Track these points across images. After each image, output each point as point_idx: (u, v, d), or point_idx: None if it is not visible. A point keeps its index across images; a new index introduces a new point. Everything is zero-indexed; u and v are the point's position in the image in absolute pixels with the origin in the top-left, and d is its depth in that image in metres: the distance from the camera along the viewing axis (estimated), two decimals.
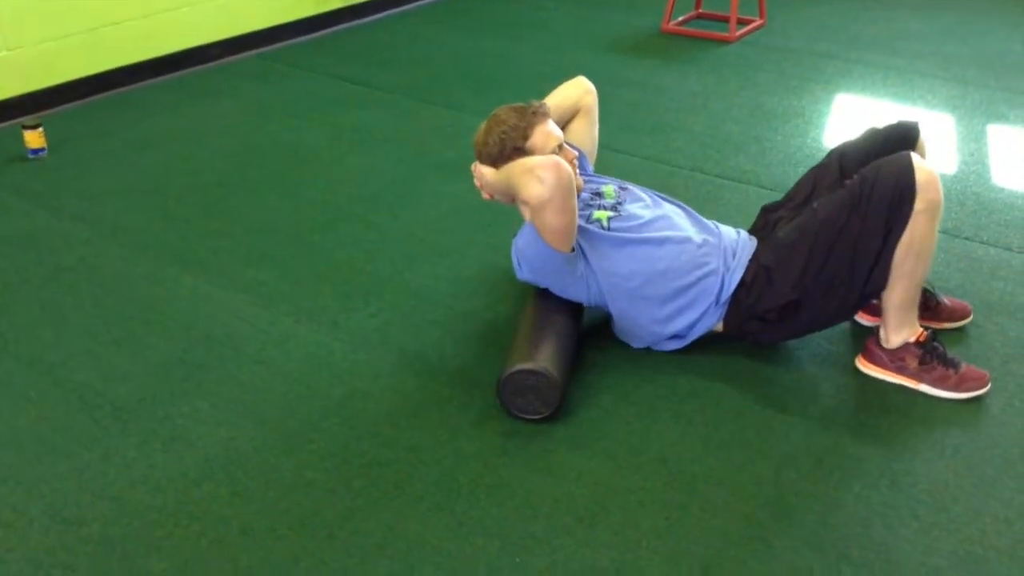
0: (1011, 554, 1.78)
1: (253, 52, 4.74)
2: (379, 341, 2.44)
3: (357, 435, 2.11)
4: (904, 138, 2.30)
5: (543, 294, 2.35)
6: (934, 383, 2.18)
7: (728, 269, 2.27)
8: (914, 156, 2.09)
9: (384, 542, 1.82)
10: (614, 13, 5.37)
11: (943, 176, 3.31)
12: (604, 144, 3.57)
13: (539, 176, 2.08)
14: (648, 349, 2.37)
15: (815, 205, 2.21)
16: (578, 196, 2.33)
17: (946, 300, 2.46)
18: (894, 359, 2.21)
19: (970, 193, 3.19)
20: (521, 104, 2.36)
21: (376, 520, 1.88)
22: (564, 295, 2.33)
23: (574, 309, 2.35)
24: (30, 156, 3.52)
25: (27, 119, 3.60)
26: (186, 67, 4.49)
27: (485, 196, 2.41)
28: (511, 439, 2.09)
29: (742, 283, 2.24)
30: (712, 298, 2.26)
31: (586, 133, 2.64)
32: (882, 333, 2.23)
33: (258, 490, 1.96)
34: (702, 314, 2.28)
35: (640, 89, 4.19)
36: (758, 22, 5.05)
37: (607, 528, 1.85)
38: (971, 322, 2.46)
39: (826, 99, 4.06)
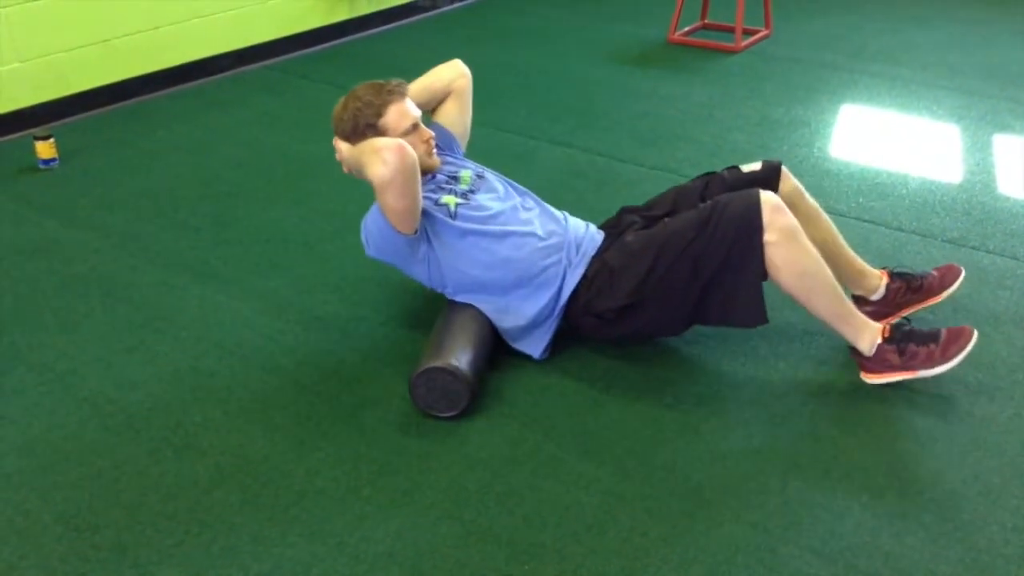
0: (1019, 562, 1.79)
1: (262, 63, 4.78)
2: (388, 349, 2.46)
3: (366, 442, 2.13)
4: (765, 180, 2.35)
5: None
6: (924, 366, 2.19)
7: (571, 263, 2.34)
8: (761, 192, 2.15)
9: (393, 550, 1.84)
10: (620, 24, 5.40)
11: (949, 185, 3.32)
12: (611, 154, 3.62)
13: (383, 158, 2.13)
14: (653, 362, 2.38)
15: (666, 220, 2.29)
16: (433, 176, 2.42)
17: (932, 272, 2.47)
18: (880, 362, 2.23)
19: (976, 203, 3.20)
20: (380, 81, 2.40)
21: (385, 528, 1.89)
22: (407, 274, 2.41)
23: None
24: (41, 167, 3.55)
25: (38, 130, 3.63)
26: (196, 78, 4.53)
27: (344, 170, 2.44)
28: (519, 447, 2.10)
29: (584, 277, 2.31)
30: (554, 290, 2.32)
31: (457, 116, 2.67)
32: (853, 346, 2.26)
33: (268, 498, 1.97)
34: (543, 307, 2.33)
35: (646, 99, 4.21)
36: (764, 32, 5.07)
37: (616, 536, 1.86)
38: (960, 289, 2.46)
39: (832, 109, 4.08)
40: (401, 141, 2.19)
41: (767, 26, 5.11)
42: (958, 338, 2.18)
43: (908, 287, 2.44)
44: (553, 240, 2.36)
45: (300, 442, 2.13)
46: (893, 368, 2.22)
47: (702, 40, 5.02)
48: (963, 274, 2.47)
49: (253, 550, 1.84)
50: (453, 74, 2.67)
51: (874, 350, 2.22)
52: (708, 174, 2.48)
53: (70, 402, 2.28)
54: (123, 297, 2.72)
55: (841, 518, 1.89)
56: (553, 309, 2.35)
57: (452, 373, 2.14)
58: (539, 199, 2.54)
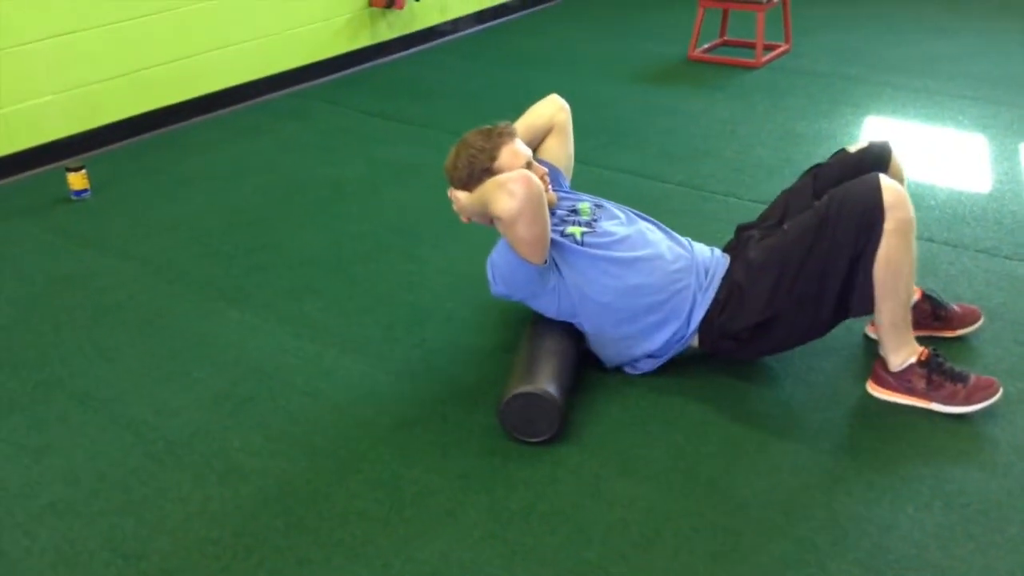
0: None
1: (288, 90, 4.83)
2: (424, 371, 2.47)
3: (407, 464, 2.13)
4: (876, 159, 2.33)
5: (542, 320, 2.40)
6: (944, 401, 2.18)
7: (700, 287, 2.31)
8: (882, 177, 2.12)
9: (438, 571, 1.84)
10: (640, 42, 5.43)
11: (978, 195, 3.31)
12: (637, 171, 3.63)
13: (509, 189, 2.13)
14: (691, 379, 2.38)
15: (785, 226, 2.25)
16: (552, 212, 2.39)
17: (955, 307, 2.47)
18: (901, 381, 2.21)
19: (1007, 212, 3.18)
20: (488, 127, 2.41)
21: (430, 549, 1.89)
22: (535, 307, 2.38)
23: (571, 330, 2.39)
24: (73, 197, 3.60)
25: (70, 162, 3.68)
26: (225, 106, 4.58)
27: (464, 219, 2.45)
28: (561, 466, 2.10)
29: (716, 300, 2.28)
30: (684, 316, 2.29)
31: (561, 150, 2.67)
32: (884, 356, 2.24)
33: (312, 521, 1.98)
34: (673, 333, 2.31)
35: (670, 116, 4.22)
36: (783, 47, 5.08)
37: (662, 554, 1.85)
38: (980, 327, 2.47)
39: (856, 122, 4.07)
40: (524, 170, 2.19)
41: (787, 41, 5.12)
42: (986, 388, 2.17)
43: (934, 313, 2.44)
44: (681, 264, 2.33)
45: (341, 464, 2.14)
46: (912, 392, 2.21)
47: (722, 57, 5.04)
48: (981, 321, 2.48)
49: (299, 573, 1.85)
50: (552, 109, 2.67)
51: (903, 368, 2.20)
52: (815, 166, 2.44)
53: (112, 430, 2.30)
54: (160, 325, 2.75)
55: (888, 531, 1.88)
56: (684, 335, 2.31)
57: (554, 409, 2.12)
58: (662, 224, 2.51)
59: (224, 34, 4.47)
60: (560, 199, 2.50)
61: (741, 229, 2.51)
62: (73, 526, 2.00)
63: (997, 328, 2.52)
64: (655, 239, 2.39)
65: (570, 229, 2.36)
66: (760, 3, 4.75)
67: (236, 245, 3.21)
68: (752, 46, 4.93)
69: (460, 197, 2.40)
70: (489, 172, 2.33)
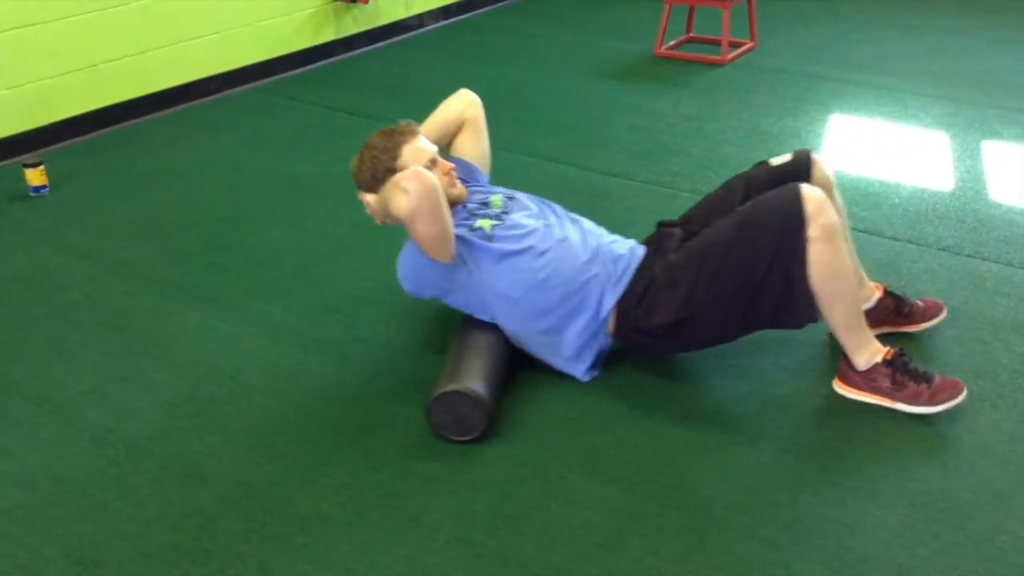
0: None
1: (250, 86, 4.76)
2: (390, 371, 2.44)
3: (371, 467, 2.11)
4: (800, 168, 2.35)
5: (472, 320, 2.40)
6: (908, 401, 2.19)
7: (610, 277, 2.31)
8: (803, 186, 2.13)
9: (403, 575, 1.82)
10: (605, 39, 5.42)
11: (941, 193, 3.34)
12: (603, 169, 3.62)
13: (403, 188, 2.13)
14: (658, 378, 2.38)
15: (706, 230, 2.27)
16: (463, 205, 2.41)
17: (918, 302, 2.50)
18: (867, 380, 2.23)
19: (969, 210, 3.21)
20: (390, 127, 2.41)
21: (394, 553, 1.87)
22: (447, 303, 2.39)
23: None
24: (32, 194, 3.52)
25: (28, 157, 3.60)
26: (185, 102, 4.51)
27: (378, 222, 2.43)
28: (526, 468, 2.09)
29: (631, 292, 2.29)
30: (594, 306, 2.29)
31: (474, 145, 2.66)
32: (848, 356, 2.25)
33: (274, 525, 1.95)
34: (585, 325, 2.30)
35: (635, 113, 4.22)
36: (749, 44, 5.10)
37: (627, 555, 1.84)
38: (943, 321, 2.50)
39: (821, 120, 4.10)
40: (416, 168, 2.18)
41: (752, 38, 5.14)
42: (949, 388, 2.18)
43: (897, 309, 2.46)
44: (590, 255, 2.33)
45: (304, 468, 2.11)
46: (877, 391, 2.22)
47: (688, 54, 5.05)
48: (944, 314, 2.50)
49: None
50: (463, 104, 2.64)
51: (868, 367, 2.21)
52: (736, 177, 2.45)
53: (69, 433, 2.25)
54: (118, 324, 2.69)
55: (852, 532, 1.88)
56: (595, 326, 2.31)
57: (472, 399, 2.11)
58: (575, 215, 2.51)
59: (183, 28, 4.40)
60: (472, 193, 2.50)
61: (662, 225, 2.51)
62: (29, 532, 1.95)
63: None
64: (565, 232, 2.38)
65: (479, 223, 2.36)
66: (725, 0, 4.76)
67: (197, 243, 3.15)
68: (718, 43, 4.94)
69: (369, 200, 2.38)
70: (392, 172, 2.31)
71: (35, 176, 3.51)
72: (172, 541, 1.92)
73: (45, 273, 2.99)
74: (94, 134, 4.16)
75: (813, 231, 2.08)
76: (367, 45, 5.38)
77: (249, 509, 1.99)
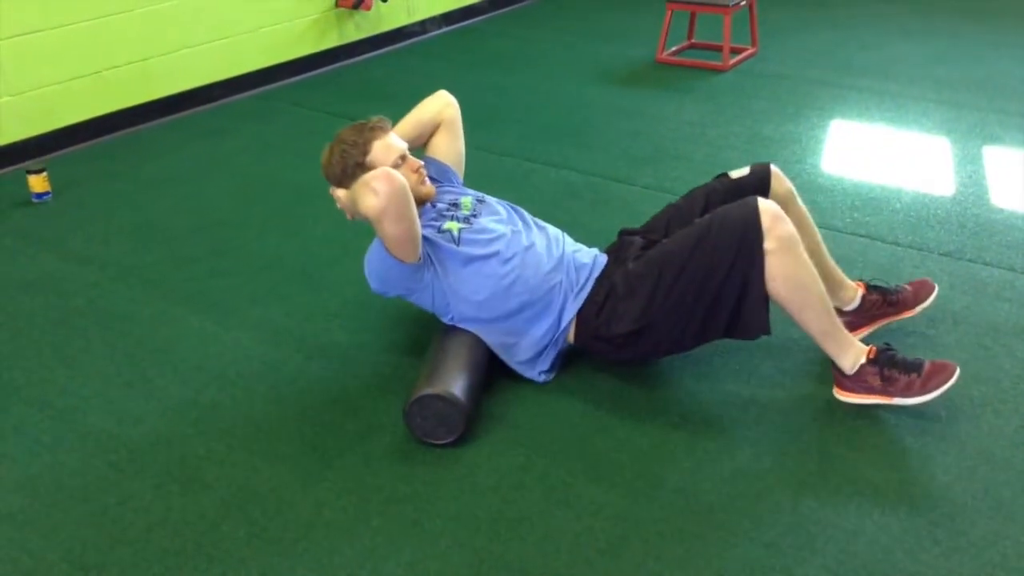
0: None
1: (253, 92, 4.78)
2: (391, 376, 2.45)
3: (373, 471, 2.11)
4: (758, 182, 2.37)
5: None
6: (902, 393, 2.19)
7: (572, 286, 2.34)
8: (760, 200, 2.15)
9: None
10: (608, 45, 5.43)
11: (942, 198, 3.34)
12: (605, 174, 3.63)
13: (372, 187, 2.13)
14: (658, 382, 2.38)
15: (665, 240, 2.28)
16: (432, 205, 2.43)
17: (906, 286, 2.49)
18: (858, 382, 2.22)
19: (970, 215, 3.21)
20: (361, 121, 2.41)
21: (396, 559, 1.87)
22: (413, 303, 2.40)
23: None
24: (35, 200, 3.53)
25: (31, 163, 3.62)
26: (188, 108, 4.52)
27: (349, 218, 2.44)
28: (528, 472, 2.09)
29: (592, 301, 2.31)
30: (556, 314, 2.32)
31: (450, 146, 2.67)
32: (834, 362, 2.25)
33: (276, 531, 1.95)
34: (546, 330, 2.33)
35: (638, 119, 4.23)
36: (750, 50, 5.11)
37: (629, 560, 1.84)
38: (935, 298, 2.48)
39: (822, 125, 4.10)
40: (387, 168, 2.19)
41: (754, 44, 5.14)
42: (940, 372, 2.18)
43: (884, 300, 2.46)
44: (555, 263, 2.36)
45: (306, 473, 2.11)
46: (871, 391, 2.21)
47: (690, 59, 5.05)
48: (936, 290, 2.49)
49: None
50: (439, 105, 2.66)
51: (855, 369, 2.21)
52: (697, 188, 2.48)
53: (72, 438, 2.25)
54: (121, 330, 2.70)
55: (854, 536, 1.88)
56: (555, 333, 2.34)
57: (444, 399, 2.12)
58: (542, 222, 2.53)
59: (186, 35, 4.42)
60: (443, 193, 2.51)
61: (625, 234, 2.53)
62: (31, 537, 1.96)
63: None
64: (531, 238, 2.40)
65: (447, 224, 2.37)
66: (727, 6, 4.77)
67: (199, 249, 3.16)
68: (719, 49, 4.95)
69: (340, 195, 2.39)
70: (362, 167, 2.33)
71: (38, 182, 3.53)
72: (174, 546, 1.92)
73: (48, 279, 3.00)
74: (97, 140, 4.18)
75: (770, 243, 2.10)
76: (370, 51, 5.39)
77: (251, 515, 2.00)
